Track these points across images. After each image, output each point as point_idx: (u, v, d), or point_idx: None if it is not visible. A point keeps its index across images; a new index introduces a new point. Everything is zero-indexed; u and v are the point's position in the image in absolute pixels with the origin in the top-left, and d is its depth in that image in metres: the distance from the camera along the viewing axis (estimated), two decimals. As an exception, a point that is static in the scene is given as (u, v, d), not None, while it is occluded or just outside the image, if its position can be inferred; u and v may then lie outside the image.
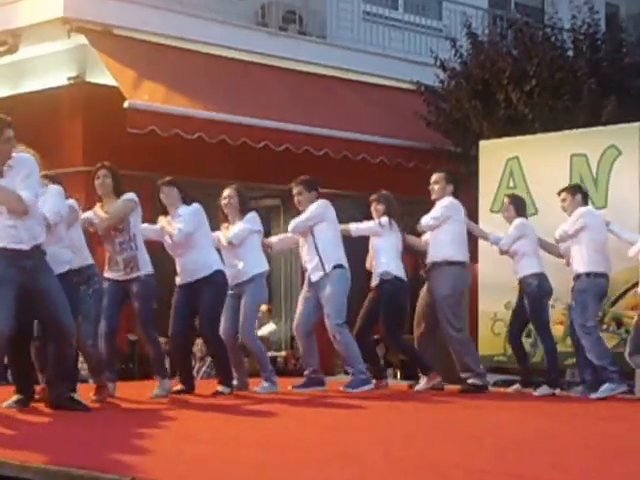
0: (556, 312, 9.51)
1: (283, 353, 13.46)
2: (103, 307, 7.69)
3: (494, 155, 10.73)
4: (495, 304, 10.03)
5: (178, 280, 8.42)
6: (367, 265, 9.32)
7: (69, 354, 6.87)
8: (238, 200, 8.68)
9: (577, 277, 8.84)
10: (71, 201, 7.54)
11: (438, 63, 13.85)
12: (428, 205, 10.34)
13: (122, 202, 7.90)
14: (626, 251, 8.81)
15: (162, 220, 8.39)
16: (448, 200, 9.19)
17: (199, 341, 11.89)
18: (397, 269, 9.05)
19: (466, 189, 12.46)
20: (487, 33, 14.43)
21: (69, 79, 12.65)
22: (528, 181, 10.28)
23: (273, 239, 9.46)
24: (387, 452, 5.37)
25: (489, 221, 10.14)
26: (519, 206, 9.34)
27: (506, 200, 9.47)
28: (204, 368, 11.70)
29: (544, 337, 9.19)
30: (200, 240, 8.31)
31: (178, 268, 8.42)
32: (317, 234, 8.82)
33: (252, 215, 8.71)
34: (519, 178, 10.41)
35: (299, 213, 9.02)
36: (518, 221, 9.22)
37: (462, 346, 9.08)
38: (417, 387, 9.11)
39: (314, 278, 8.82)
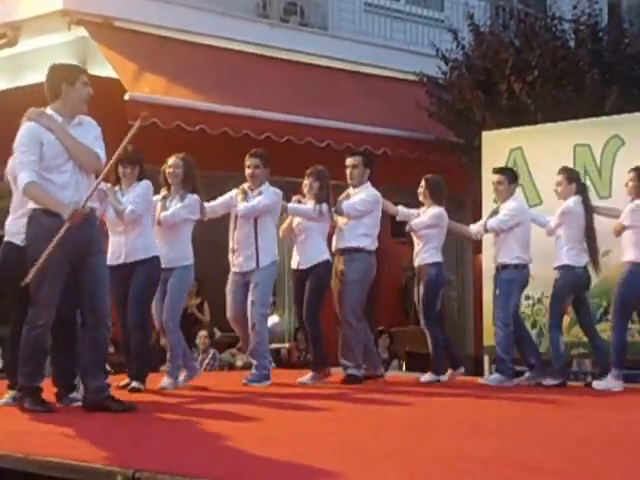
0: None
1: (287, 345, 13.46)
2: None
3: (497, 146, 10.68)
4: (499, 295, 9.97)
5: (110, 260, 7.67)
6: (281, 236, 9.13)
7: (105, 337, 6.42)
8: (183, 171, 8.27)
9: (504, 267, 9.02)
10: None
11: (440, 55, 13.82)
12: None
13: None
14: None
15: (111, 191, 7.94)
16: (372, 193, 9.09)
17: (202, 333, 11.93)
18: (328, 253, 8.98)
19: (469, 180, 12.47)
20: (489, 24, 14.40)
21: (70, 72, 12.62)
22: (532, 171, 10.24)
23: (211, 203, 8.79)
24: (388, 443, 5.34)
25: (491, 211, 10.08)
26: (435, 190, 9.33)
27: (423, 184, 9.40)
28: (207, 360, 11.71)
29: (431, 326, 9.26)
30: (145, 221, 7.96)
31: (111, 247, 7.91)
32: (259, 225, 8.61)
33: (194, 200, 8.25)
34: (522, 169, 10.37)
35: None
36: (437, 212, 9.28)
37: (356, 335, 9.01)
38: (301, 379, 8.87)
39: (245, 267, 8.61)
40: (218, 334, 12.55)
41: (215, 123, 11.87)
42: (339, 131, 12.89)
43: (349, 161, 9.17)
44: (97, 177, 6.47)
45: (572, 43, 13.45)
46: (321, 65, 14.04)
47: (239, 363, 11.85)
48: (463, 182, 11.96)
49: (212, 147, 12.22)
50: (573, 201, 8.82)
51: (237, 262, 8.69)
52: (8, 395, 6.81)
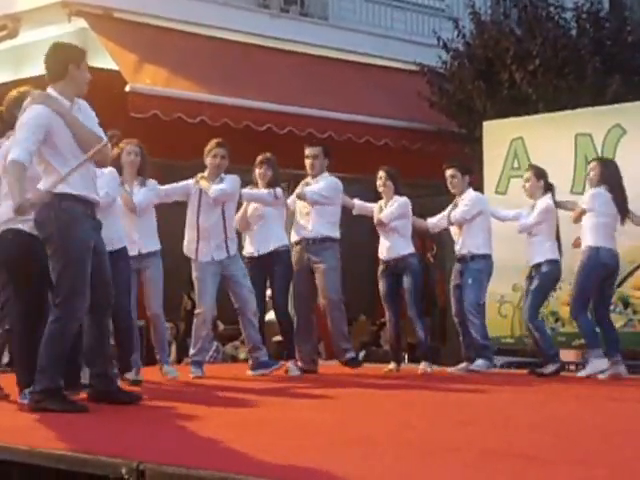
0: (563, 293, 9.48)
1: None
2: None
3: (498, 135, 10.69)
4: (502, 286, 10.00)
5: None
6: (239, 228, 9.05)
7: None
8: (141, 160, 8.15)
9: (471, 258, 9.13)
10: None
11: (441, 44, 13.78)
12: (432, 188, 10.33)
13: None
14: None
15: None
16: (334, 181, 9.17)
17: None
18: (287, 240, 9.01)
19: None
20: (490, 13, 14.36)
21: (70, 64, 12.59)
22: (533, 161, 10.22)
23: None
24: (398, 435, 5.35)
25: (494, 202, 10.08)
26: (396, 180, 9.35)
27: (382, 174, 9.38)
28: (211, 352, 11.69)
29: (420, 315, 9.30)
30: (116, 209, 7.65)
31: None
32: (227, 212, 8.59)
33: (154, 183, 8.26)
34: (523, 158, 10.38)
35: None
36: (404, 201, 9.32)
37: (342, 315, 9.08)
38: (291, 373, 8.84)
39: (217, 257, 8.56)
40: (221, 327, 12.55)
41: (216, 114, 11.84)
42: (340, 122, 12.87)
43: (309, 151, 9.23)
44: (102, 165, 6.30)
45: (574, 32, 13.42)
46: (322, 55, 14.01)
47: (242, 356, 11.85)
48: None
49: (213, 139, 12.19)
50: (549, 197, 8.91)
51: (205, 250, 8.58)
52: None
